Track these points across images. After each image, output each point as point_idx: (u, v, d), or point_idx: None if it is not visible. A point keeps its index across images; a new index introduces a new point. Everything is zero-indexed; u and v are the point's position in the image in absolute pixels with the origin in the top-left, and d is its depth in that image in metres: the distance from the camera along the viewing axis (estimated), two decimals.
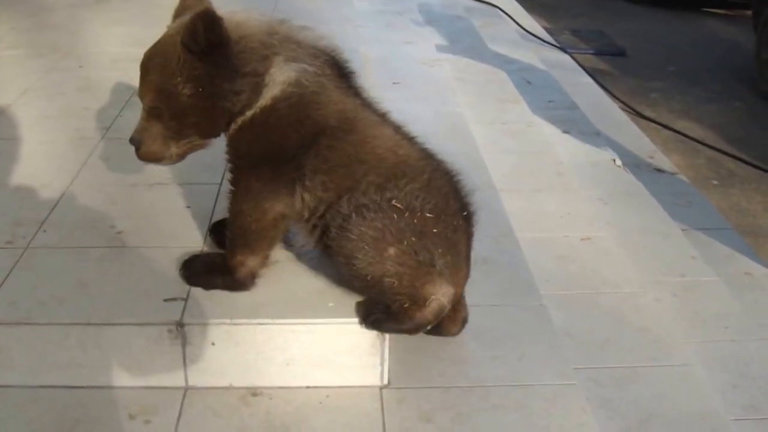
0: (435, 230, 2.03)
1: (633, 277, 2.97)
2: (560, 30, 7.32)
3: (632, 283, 2.90)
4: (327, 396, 2.07)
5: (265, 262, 2.18)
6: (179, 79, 1.99)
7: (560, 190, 3.48)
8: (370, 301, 2.09)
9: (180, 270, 2.20)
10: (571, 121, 4.58)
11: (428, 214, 2.02)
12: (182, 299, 2.10)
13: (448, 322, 2.19)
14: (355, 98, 2.14)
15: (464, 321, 2.25)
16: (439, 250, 2.03)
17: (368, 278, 2.03)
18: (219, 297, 2.12)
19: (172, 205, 2.58)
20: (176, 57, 1.98)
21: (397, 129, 2.18)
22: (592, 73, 5.81)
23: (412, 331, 2.10)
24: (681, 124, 5.43)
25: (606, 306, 2.75)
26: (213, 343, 2.05)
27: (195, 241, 2.37)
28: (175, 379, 2.07)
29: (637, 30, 7.63)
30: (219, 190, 2.65)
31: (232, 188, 2.12)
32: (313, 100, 2.04)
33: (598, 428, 2.06)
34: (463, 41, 5.29)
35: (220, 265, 2.16)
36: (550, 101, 4.84)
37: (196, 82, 1.99)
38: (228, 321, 2.04)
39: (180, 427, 1.96)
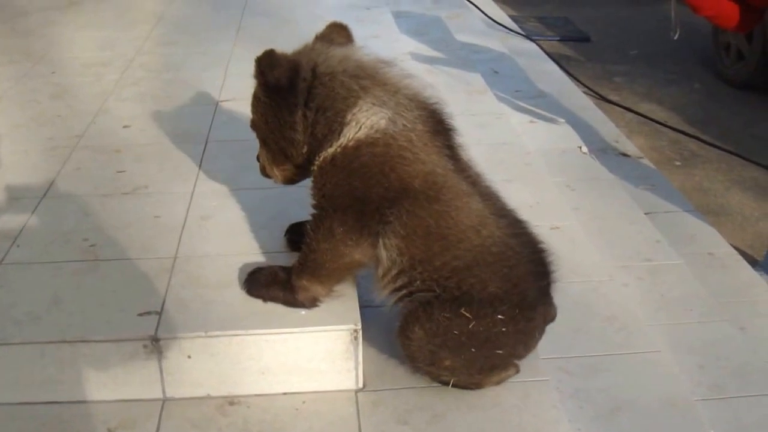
0: (504, 329, 1.95)
1: (600, 264, 2.94)
2: (526, 18, 7.25)
3: (600, 271, 2.87)
4: (303, 402, 2.02)
5: (329, 292, 2.09)
6: (258, 110, 2.10)
7: (529, 180, 3.44)
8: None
9: (244, 281, 2.13)
10: (538, 109, 4.53)
11: (500, 317, 1.93)
12: (156, 313, 2.04)
13: None
14: (447, 160, 1.97)
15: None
16: (505, 348, 1.99)
17: (425, 373, 2.05)
18: (193, 310, 2.06)
19: (144, 214, 2.51)
20: (255, 96, 2.10)
21: (486, 198, 2.02)
22: (557, 59, 5.75)
23: None
24: (644, 107, 5.39)
25: (575, 295, 2.72)
26: (189, 356, 1.99)
27: (167, 251, 2.30)
28: (153, 392, 2.02)
29: (600, 15, 7.57)
30: (191, 198, 2.58)
31: (314, 223, 2.02)
32: (400, 155, 1.91)
33: (568, 421, 2.03)
34: (431, 33, 5.23)
35: (282, 280, 2.09)
36: (517, 90, 4.79)
37: (264, 113, 2.07)
38: (203, 334, 1.99)
39: None
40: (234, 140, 3.00)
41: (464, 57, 4.89)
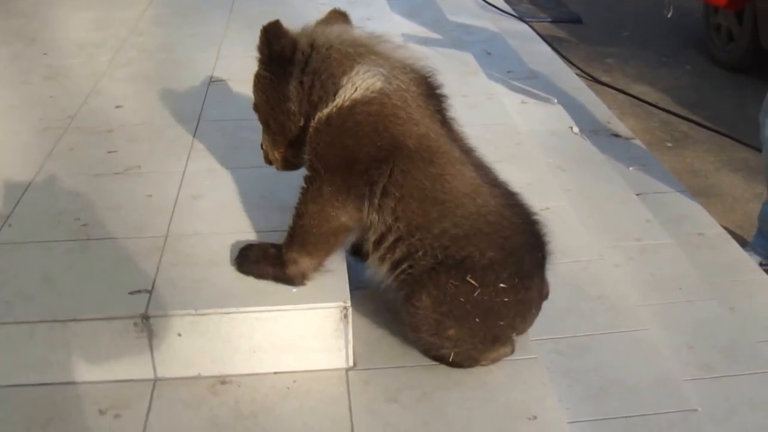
0: (506, 299, 1.93)
1: (591, 244, 2.92)
2: None
3: (590, 251, 2.86)
4: (294, 381, 2.01)
5: (318, 267, 2.07)
6: (258, 87, 2.10)
7: (520, 160, 3.40)
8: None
9: (235, 258, 2.12)
10: (530, 90, 4.50)
11: (502, 285, 1.92)
12: (147, 291, 2.01)
13: None
14: (439, 126, 1.98)
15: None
16: (506, 320, 1.97)
17: (426, 347, 2.04)
18: (183, 288, 2.04)
19: (136, 194, 2.48)
20: (257, 72, 2.10)
21: (479, 168, 2.02)
22: (549, 41, 5.71)
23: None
24: (636, 89, 5.37)
25: (565, 275, 2.69)
26: (179, 334, 1.97)
27: (158, 230, 2.28)
28: (144, 372, 2.00)
29: None
30: (182, 178, 2.56)
31: (305, 186, 2.02)
32: (394, 113, 1.92)
33: (557, 400, 2.02)
34: (424, 15, 5.17)
35: (273, 256, 2.07)
36: (509, 71, 4.75)
37: (264, 89, 2.08)
38: (193, 311, 1.96)
39: (150, 419, 1.89)
40: (226, 120, 2.97)
41: (457, 38, 4.84)
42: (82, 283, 2.07)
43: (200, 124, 2.95)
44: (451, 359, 2.01)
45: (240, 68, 3.44)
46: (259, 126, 2.89)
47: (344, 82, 1.93)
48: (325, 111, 1.95)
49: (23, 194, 2.49)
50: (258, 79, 2.10)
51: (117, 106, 3.14)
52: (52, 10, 4.44)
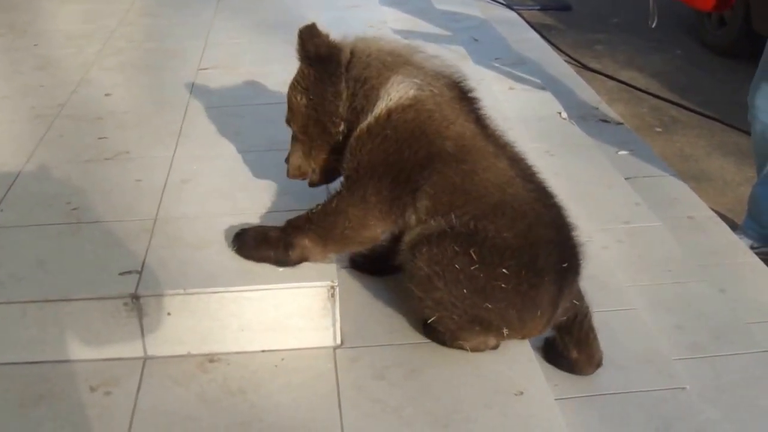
0: (503, 286, 1.91)
1: (580, 226, 2.93)
2: None
3: (579, 233, 2.88)
4: (282, 359, 2.04)
5: (324, 258, 2.10)
6: (299, 89, 2.14)
7: None
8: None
9: (231, 242, 2.13)
10: (518, 76, 4.53)
11: (504, 270, 1.91)
12: (137, 272, 2.04)
13: (583, 363, 2.18)
14: (474, 125, 2.04)
15: (598, 364, 2.19)
16: (495, 305, 1.94)
17: (415, 299, 2.03)
18: (173, 268, 2.07)
19: (125, 179, 2.52)
20: (299, 73, 2.15)
21: (514, 162, 2.05)
22: (538, 28, 5.74)
23: None
24: (625, 74, 5.41)
25: None
26: (169, 313, 2.00)
27: (147, 214, 2.31)
28: (134, 350, 2.03)
29: None
30: (171, 163, 2.59)
31: (347, 189, 2.05)
32: (429, 117, 1.99)
33: (544, 376, 2.05)
34: (410, 2, 5.18)
35: (274, 239, 2.08)
36: (497, 58, 4.77)
37: (308, 90, 2.12)
38: (182, 291, 1.99)
39: (140, 396, 1.92)
40: (213, 107, 3.01)
41: (444, 26, 4.86)
42: (73, 264, 2.10)
43: (188, 111, 2.98)
44: (431, 320, 2.01)
45: (228, 56, 3.48)
46: (247, 111, 2.95)
47: (382, 93, 2.02)
48: (365, 121, 2.02)
49: (15, 180, 2.52)
50: (300, 79, 2.14)
51: (106, 95, 3.17)
52: (42, 3, 4.47)
